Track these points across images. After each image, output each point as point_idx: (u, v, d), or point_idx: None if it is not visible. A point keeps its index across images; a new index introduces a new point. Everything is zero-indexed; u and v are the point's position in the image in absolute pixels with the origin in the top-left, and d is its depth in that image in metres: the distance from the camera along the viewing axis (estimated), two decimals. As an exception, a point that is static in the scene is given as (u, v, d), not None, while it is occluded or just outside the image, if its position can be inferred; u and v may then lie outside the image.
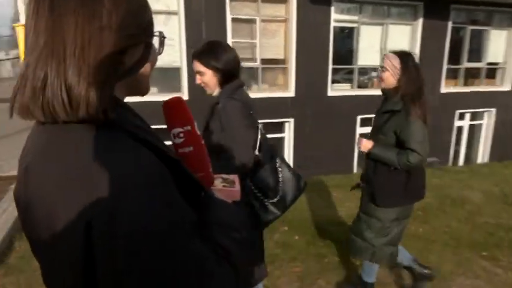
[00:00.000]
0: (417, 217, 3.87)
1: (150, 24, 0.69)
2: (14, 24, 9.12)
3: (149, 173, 0.58)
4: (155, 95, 7.95)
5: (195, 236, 0.63)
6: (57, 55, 0.57)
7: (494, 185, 4.93)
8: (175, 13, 7.77)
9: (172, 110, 0.80)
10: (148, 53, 0.70)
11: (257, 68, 8.71)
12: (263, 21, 8.53)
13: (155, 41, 0.72)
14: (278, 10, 8.67)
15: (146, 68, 0.71)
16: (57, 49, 0.56)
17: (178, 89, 8.08)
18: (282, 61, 8.91)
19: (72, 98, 0.57)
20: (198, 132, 0.83)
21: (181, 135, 0.80)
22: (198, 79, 2.04)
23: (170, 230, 0.58)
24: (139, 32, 0.65)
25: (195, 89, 7.86)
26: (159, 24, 7.73)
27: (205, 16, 7.83)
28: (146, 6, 0.68)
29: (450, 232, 3.57)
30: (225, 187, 0.96)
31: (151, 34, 0.70)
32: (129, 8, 0.61)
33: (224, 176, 1.08)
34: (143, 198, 0.55)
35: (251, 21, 8.46)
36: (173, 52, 7.93)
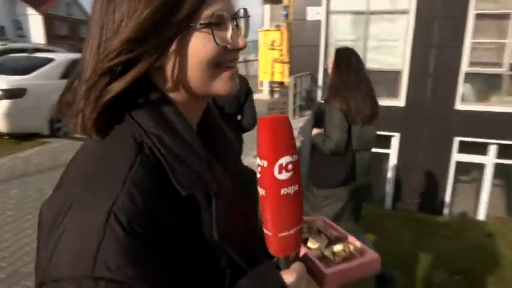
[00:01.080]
0: None
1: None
2: (258, 30, 10.71)
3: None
4: (369, 99, 7.69)
5: None
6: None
7: None
8: (405, 12, 7.21)
9: (281, 131, 0.55)
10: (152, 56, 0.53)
11: (502, 75, 7.08)
12: (519, 16, 6.83)
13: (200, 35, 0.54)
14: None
15: (189, 62, 0.55)
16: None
17: (394, 94, 7.50)
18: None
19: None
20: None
21: (291, 167, 0.55)
22: None
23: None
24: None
25: (413, 96, 7.18)
26: (382, 25, 7.38)
27: (441, 14, 6.92)
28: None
29: None
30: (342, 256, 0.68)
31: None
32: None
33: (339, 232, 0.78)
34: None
35: (501, 17, 6.92)
36: (395, 54, 7.41)
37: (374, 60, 7.55)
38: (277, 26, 9.36)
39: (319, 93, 7.76)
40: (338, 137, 2.47)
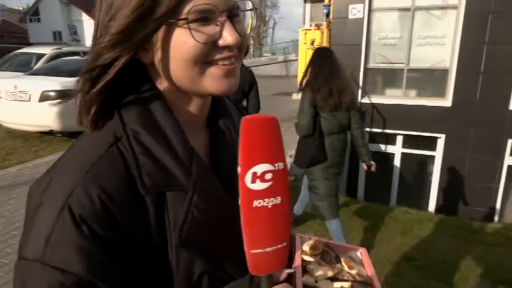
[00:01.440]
0: None
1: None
2: (299, 29, 10.65)
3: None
4: (413, 99, 7.39)
5: None
6: None
7: None
8: (454, 7, 6.85)
9: (260, 134, 0.47)
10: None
11: None
12: None
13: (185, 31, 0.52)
14: None
15: (174, 59, 0.54)
16: None
17: (441, 93, 7.16)
18: None
19: None
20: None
21: (269, 176, 0.47)
22: None
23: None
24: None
25: (461, 95, 6.80)
26: (429, 21, 7.06)
27: (494, 8, 6.50)
28: None
29: None
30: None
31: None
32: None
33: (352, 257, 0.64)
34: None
35: None
36: (442, 51, 7.06)
37: (419, 59, 7.27)
38: (317, 25, 9.26)
39: (360, 92, 7.58)
40: (305, 122, 3.02)
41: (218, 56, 0.54)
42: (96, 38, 0.55)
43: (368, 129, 7.64)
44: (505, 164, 6.83)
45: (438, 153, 7.32)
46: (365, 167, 3.39)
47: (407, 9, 7.20)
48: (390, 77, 7.70)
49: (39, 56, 8.31)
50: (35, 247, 0.47)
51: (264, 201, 0.48)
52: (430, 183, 7.51)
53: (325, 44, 9.06)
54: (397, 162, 7.77)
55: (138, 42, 0.52)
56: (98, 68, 0.53)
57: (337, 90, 3.02)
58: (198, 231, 0.52)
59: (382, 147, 7.81)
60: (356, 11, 7.42)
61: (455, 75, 6.89)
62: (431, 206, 7.29)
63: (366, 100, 7.53)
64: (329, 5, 8.75)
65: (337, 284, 0.58)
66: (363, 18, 7.38)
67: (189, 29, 0.51)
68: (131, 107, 0.55)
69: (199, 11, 0.50)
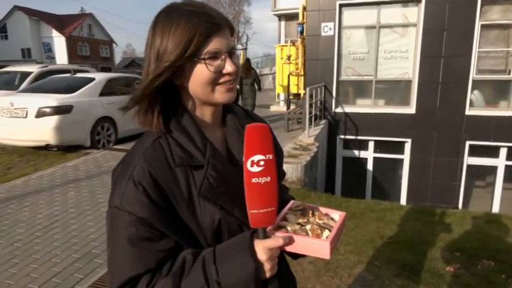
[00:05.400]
0: None
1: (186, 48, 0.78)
2: (276, 45, 11.30)
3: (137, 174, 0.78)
4: (381, 107, 8.11)
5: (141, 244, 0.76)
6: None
7: None
8: (414, 25, 7.68)
9: (257, 135, 0.74)
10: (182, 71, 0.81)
11: (510, 81, 7.42)
12: (524, 25, 7.20)
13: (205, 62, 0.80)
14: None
15: (195, 82, 0.82)
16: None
17: (406, 102, 7.92)
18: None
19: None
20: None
21: (262, 163, 0.73)
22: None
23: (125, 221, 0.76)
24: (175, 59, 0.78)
25: (423, 103, 7.57)
26: (392, 37, 7.84)
27: (448, 25, 7.35)
28: (194, 34, 0.78)
29: None
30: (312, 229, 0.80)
31: (190, 56, 0.79)
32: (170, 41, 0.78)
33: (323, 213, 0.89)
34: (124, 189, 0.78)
35: (506, 27, 7.31)
36: (406, 64, 7.86)
37: (385, 71, 8.03)
38: (293, 42, 9.89)
39: (334, 102, 8.22)
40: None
41: (223, 80, 0.82)
42: (147, 69, 0.82)
43: (342, 137, 8.28)
44: (464, 163, 7.61)
45: (406, 156, 8.04)
46: None
47: (373, 27, 7.97)
48: (360, 88, 8.41)
49: (24, 74, 8.46)
50: (116, 199, 0.77)
51: (259, 179, 0.73)
52: (400, 183, 8.19)
53: (300, 59, 9.67)
54: (369, 165, 8.41)
55: (172, 70, 0.80)
56: (152, 87, 0.81)
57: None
58: (213, 189, 0.80)
59: (356, 152, 8.45)
60: (327, 29, 8.11)
61: (417, 86, 7.68)
62: (402, 202, 7.95)
63: (339, 109, 8.19)
64: (303, 23, 9.38)
65: (299, 226, 0.81)
66: (334, 35, 8.07)
67: (205, 64, 0.79)
68: (171, 117, 0.84)
69: (211, 52, 0.79)
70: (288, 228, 0.81)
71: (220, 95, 0.83)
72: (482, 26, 7.27)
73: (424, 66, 7.54)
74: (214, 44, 0.79)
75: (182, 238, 0.79)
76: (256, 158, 0.73)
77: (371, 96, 8.25)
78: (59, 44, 38.84)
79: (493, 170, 7.69)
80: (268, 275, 0.74)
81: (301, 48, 9.50)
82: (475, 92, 7.51)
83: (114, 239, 0.78)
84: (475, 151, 7.56)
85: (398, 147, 8.05)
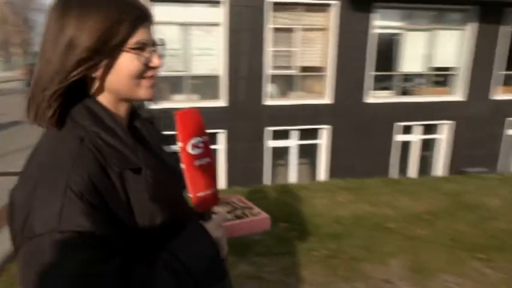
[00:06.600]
0: (423, 220, 3.93)
1: (111, 39, 0.70)
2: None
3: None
4: (196, 102, 8.59)
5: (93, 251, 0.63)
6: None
7: (522, 193, 4.74)
8: (218, 24, 8.38)
9: (193, 119, 0.75)
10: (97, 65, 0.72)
11: (294, 76, 9.02)
12: (302, 30, 8.82)
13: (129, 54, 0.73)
14: (318, 19, 8.91)
15: (119, 75, 0.74)
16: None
17: (217, 96, 8.65)
18: (320, 69, 9.11)
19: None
20: None
21: (201, 145, 0.75)
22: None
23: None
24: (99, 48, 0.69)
25: (232, 96, 8.44)
26: (201, 35, 8.41)
27: (247, 27, 8.34)
28: (118, 23, 0.70)
29: (453, 234, 3.59)
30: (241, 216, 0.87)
31: (113, 49, 0.71)
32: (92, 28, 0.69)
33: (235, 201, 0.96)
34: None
35: (290, 31, 8.80)
36: (214, 61, 8.54)
37: (197, 67, 8.54)
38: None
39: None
40: None
41: (149, 74, 0.77)
42: (52, 61, 0.69)
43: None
44: (264, 146, 8.89)
45: (221, 147, 8.80)
46: None
47: (183, 24, 8.31)
48: (175, 84, 8.69)
49: None
50: (49, 222, 0.61)
51: (201, 160, 0.75)
52: (218, 171, 8.92)
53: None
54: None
55: (95, 64, 0.70)
56: (60, 80, 0.69)
57: None
58: (154, 190, 0.75)
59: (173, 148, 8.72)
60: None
61: (226, 80, 8.48)
62: (224, 187, 8.70)
63: (155, 106, 8.26)
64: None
65: (237, 212, 0.89)
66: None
67: (137, 55, 0.73)
68: (82, 114, 0.73)
69: (139, 43, 0.73)
70: (226, 216, 0.86)
71: (145, 90, 0.77)
72: (273, 29, 8.55)
73: (229, 62, 8.37)
74: (142, 35, 0.74)
75: (129, 244, 0.71)
76: (195, 140, 0.74)
77: (185, 92, 8.63)
78: None
79: (288, 149, 9.26)
80: (224, 252, 0.77)
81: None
82: (272, 84, 8.83)
83: (51, 279, 0.60)
84: (274, 136, 8.91)
85: (213, 139, 8.71)
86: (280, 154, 9.28)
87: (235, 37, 8.30)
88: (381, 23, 9.06)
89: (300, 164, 9.39)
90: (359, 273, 2.98)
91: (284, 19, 8.71)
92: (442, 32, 9.53)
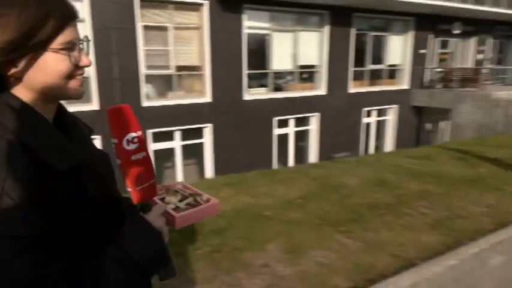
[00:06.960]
0: (296, 204, 4.31)
1: (34, 35, 0.68)
2: None
3: None
4: (68, 106, 7.79)
5: (30, 253, 0.63)
6: None
7: (373, 172, 5.59)
8: (81, 21, 7.70)
9: (125, 115, 0.74)
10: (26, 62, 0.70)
11: (172, 75, 8.88)
12: (176, 28, 8.72)
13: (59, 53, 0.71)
14: (191, 18, 8.92)
15: (47, 75, 0.72)
16: None
17: (89, 99, 7.96)
18: (198, 68, 9.17)
19: None
20: None
21: (136, 140, 0.75)
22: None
23: None
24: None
25: (105, 98, 7.90)
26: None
27: (115, 24, 7.85)
28: (42, 20, 0.68)
29: (320, 214, 4.04)
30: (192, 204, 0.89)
31: (38, 46, 0.69)
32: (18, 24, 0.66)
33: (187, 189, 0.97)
34: None
35: (163, 29, 8.62)
36: (80, 61, 7.85)
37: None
38: None
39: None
40: None
41: (78, 73, 0.75)
42: None
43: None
44: (150, 149, 8.59)
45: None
46: None
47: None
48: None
49: None
50: None
51: (137, 155, 0.76)
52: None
53: None
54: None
55: (14, 61, 0.67)
56: None
57: None
58: (91, 185, 0.75)
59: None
60: None
61: (96, 82, 7.87)
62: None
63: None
64: None
65: (189, 200, 0.91)
66: None
67: (67, 55, 0.71)
68: (6, 114, 0.70)
69: (68, 42, 0.71)
70: (180, 205, 0.89)
71: (74, 89, 0.76)
72: (145, 27, 8.24)
73: (98, 63, 7.79)
74: (70, 33, 0.71)
75: (73, 242, 0.71)
76: (130, 136, 0.74)
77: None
78: None
79: (173, 151, 9.11)
80: (166, 240, 0.82)
81: None
82: (148, 85, 8.53)
83: None
84: (157, 138, 8.66)
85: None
86: (166, 156, 9.06)
87: (101, 35, 7.74)
88: (251, 24, 9.58)
89: (187, 164, 9.32)
90: (240, 263, 3.12)
91: (156, 16, 8.49)
92: (304, 33, 10.57)
